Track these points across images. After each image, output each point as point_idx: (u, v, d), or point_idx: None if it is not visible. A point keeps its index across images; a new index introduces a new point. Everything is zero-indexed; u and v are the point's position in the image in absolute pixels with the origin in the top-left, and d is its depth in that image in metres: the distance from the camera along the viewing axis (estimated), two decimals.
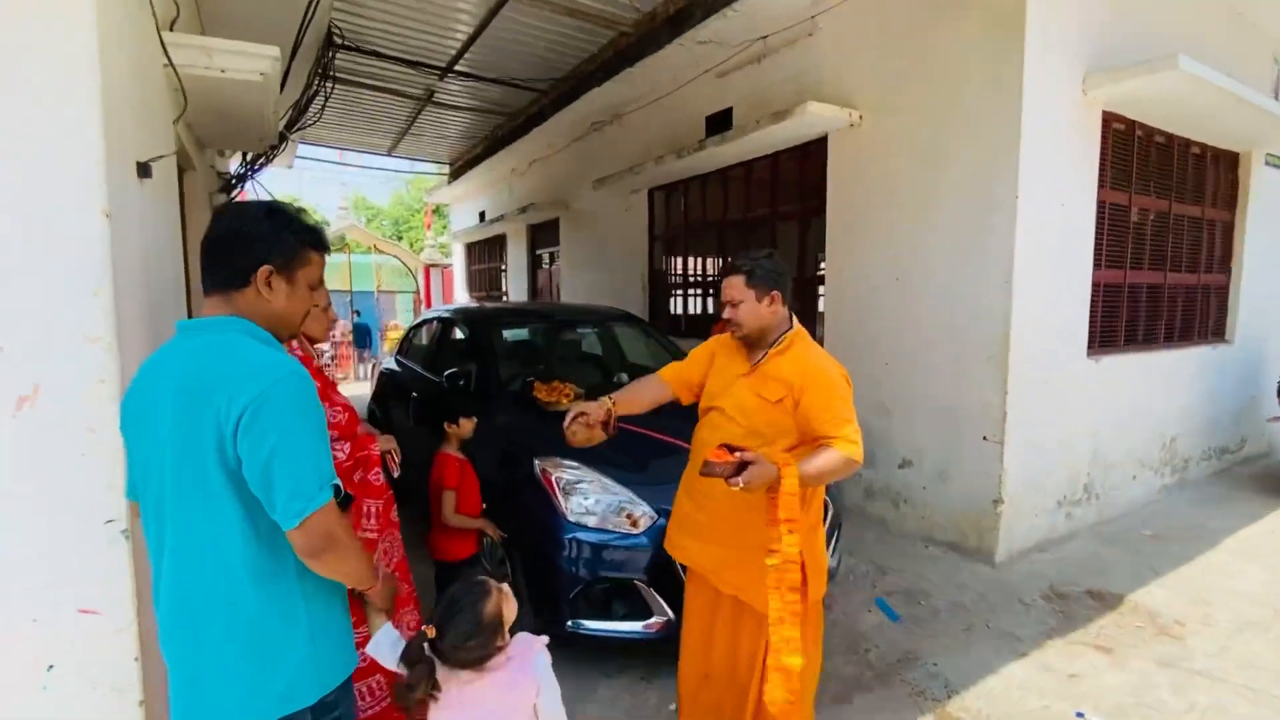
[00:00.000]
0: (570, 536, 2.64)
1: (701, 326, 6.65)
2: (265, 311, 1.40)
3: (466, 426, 2.81)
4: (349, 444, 2.13)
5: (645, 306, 7.31)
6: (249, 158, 5.78)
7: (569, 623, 2.65)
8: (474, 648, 1.48)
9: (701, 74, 6.02)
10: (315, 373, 2.12)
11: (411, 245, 25.24)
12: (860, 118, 4.71)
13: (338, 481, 1.30)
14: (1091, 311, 4.50)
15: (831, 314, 4.99)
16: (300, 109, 5.63)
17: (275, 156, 5.74)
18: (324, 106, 5.86)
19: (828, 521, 3.16)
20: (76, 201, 1.68)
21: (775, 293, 1.98)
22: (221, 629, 1.28)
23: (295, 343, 2.13)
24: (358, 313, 14.04)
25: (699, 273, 6.97)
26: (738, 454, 1.67)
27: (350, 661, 1.43)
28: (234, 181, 5.59)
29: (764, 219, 5.79)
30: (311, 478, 1.24)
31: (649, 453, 2.92)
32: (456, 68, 7.19)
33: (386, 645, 1.52)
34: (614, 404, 2.08)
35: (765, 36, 5.30)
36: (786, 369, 1.93)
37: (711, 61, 5.84)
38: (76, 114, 1.66)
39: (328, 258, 1.54)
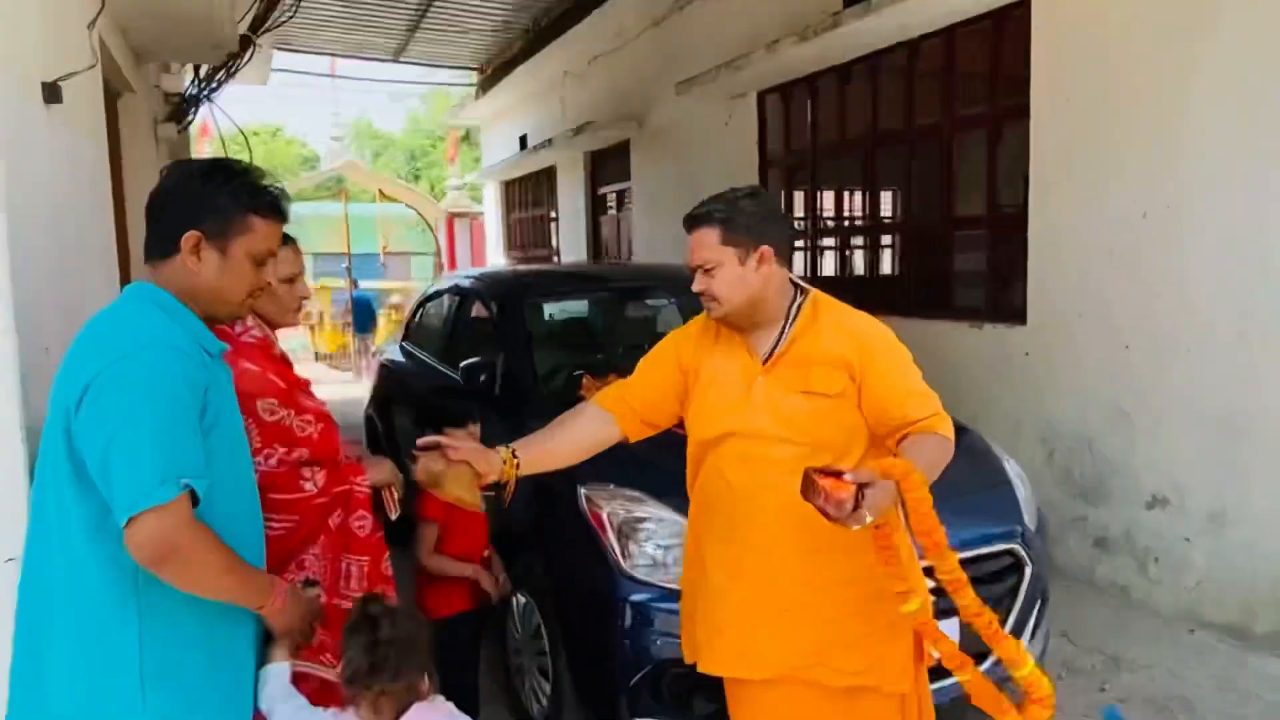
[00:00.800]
0: (629, 599, 2.62)
1: (840, 292, 6.47)
2: (192, 285, 1.58)
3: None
4: (323, 471, 2.17)
5: None
6: (203, 72, 6.13)
7: None
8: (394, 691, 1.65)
9: None
10: (277, 365, 2.21)
11: (433, 188, 26.09)
12: None
13: (192, 482, 1.43)
14: None
15: (1042, 272, 4.75)
16: (268, 2, 5.90)
17: (238, 69, 6.06)
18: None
19: (1024, 589, 3.01)
20: None
21: (764, 247, 1.92)
22: (45, 652, 1.50)
23: (253, 325, 2.21)
24: (356, 284, 14.60)
25: (834, 213, 6.81)
26: (847, 477, 1.60)
27: None
28: (185, 105, 5.95)
29: (933, 130, 5.58)
30: (152, 469, 1.40)
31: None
32: None
33: (276, 688, 1.68)
34: (519, 460, 2.01)
35: None
36: (833, 343, 1.93)
37: None
38: None
39: (283, 225, 1.72)
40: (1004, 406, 5.00)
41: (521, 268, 4.96)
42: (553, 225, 11.98)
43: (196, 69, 6.19)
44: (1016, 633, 2.99)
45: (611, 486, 2.83)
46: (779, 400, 1.94)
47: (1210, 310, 4.00)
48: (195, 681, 1.56)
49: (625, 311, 4.62)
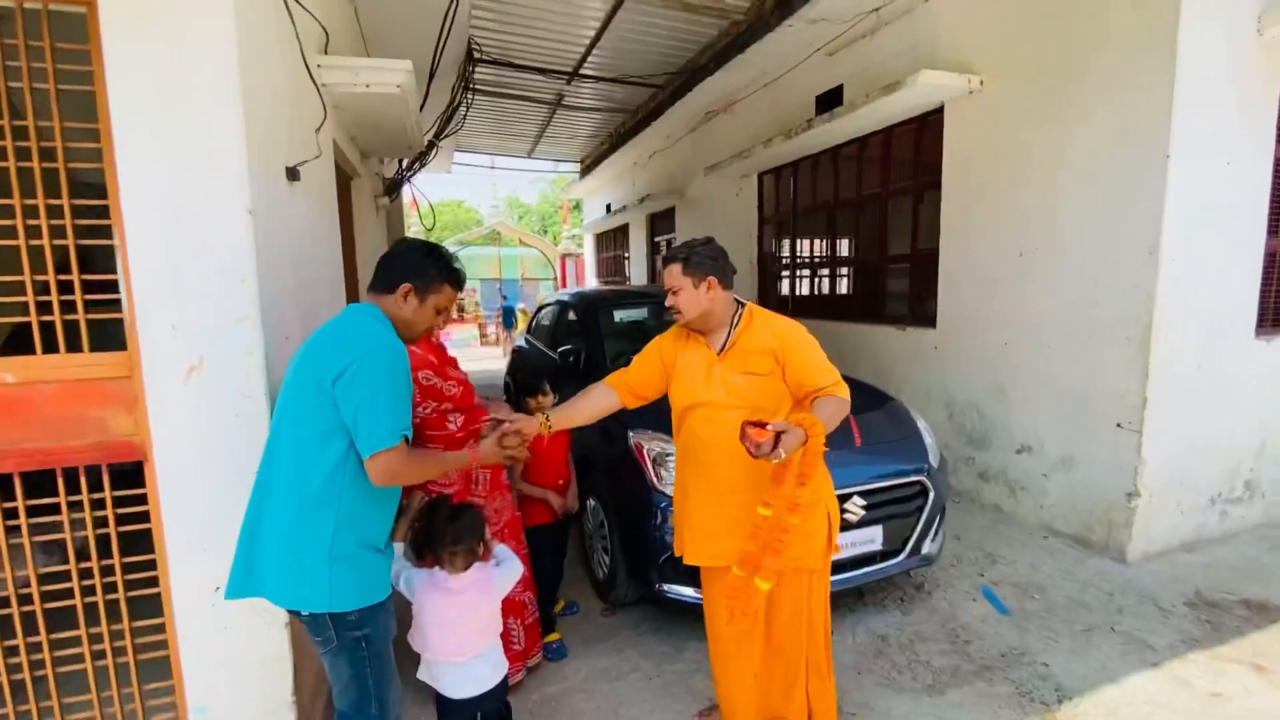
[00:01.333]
0: (660, 506, 2.59)
1: (811, 307, 6.27)
2: (396, 315, 1.67)
3: (545, 402, 2.74)
4: (463, 416, 2.21)
5: (754, 287, 7.03)
6: (404, 164, 6.20)
7: (658, 586, 2.62)
8: (459, 534, 1.78)
9: (812, 54, 5.59)
10: (436, 351, 2.24)
11: (554, 239, 26.30)
12: (981, 83, 4.12)
13: (408, 431, 1.49)
14: (1264, 286, 3.65)
15: (948, 292, 4.48)
16: (446, 118, 5.93)
17: (427, 162, 6.10)
18: (466, 115, 6.14)
19: (928, 507, 2.85)
20: (227, 201, 1.83)
21: (710, 278, 1.90)
22: (274, 525, 1.54)
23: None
24: (505, 296, 14.84)
25: (808, 254, 6.56)
26: (770, 426, 1.61)
27: (372, 598, 1.57)
28: (393, 185, 6.02)
29: (875, 197, 5.31)
30: (385, 426, 1.47)
31: None
32: (582, 71, 7.25)
33: (399, 562, 1.77)
34: (551, 423, 1.97)
35: (878, 8, 4.78)
36: (762, 339, 1.88)
37: (822, 39, 5.39)
38: (225, 132, 1.80)
39: (460, 292, 1.82)
40: (919, 383, 4.76)
41: (598, 288, 4.89)
42: (626, 261, 11.88)
43: (400, 162, 6.26)
44: (922, 537, 2.83)
45: (649, 431, 2.80)
46: (728, 379, 1.90)
47: (1064, 318, 3.72)
48: (357, 571, 1.56)
49: (664, 316, 4.52)
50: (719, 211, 7.72)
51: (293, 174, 2.31)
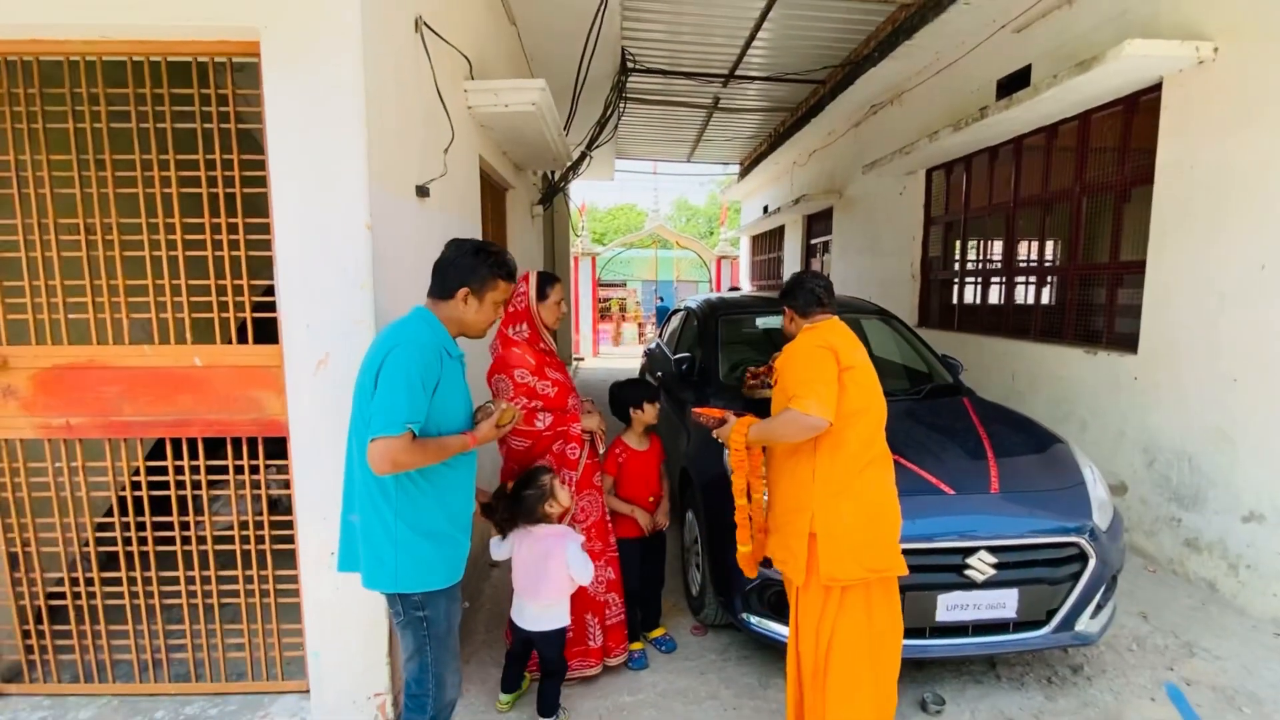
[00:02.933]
0: None
1: (979, 320, 5.53)
2: (458, 317, 1.76)
3: (650, 412, 2.70)
4: (552, 416, 2.29)
5: (913, 297, 6.39)
6: (555, 175, 6.58)
7: (741, 615, 2.49)
8: (528, 500, 2.10)
9: (995, 32, 4.91)
10: (537, 354, 2.33)
11: (717, 241, 26.36)
12: (1214, 51, 3.29)
13: (417, 425, 1.56)
14: None
15: (1156, 309, 3.66)
16: (599, 128, 6.18)
17: (581, 171, 6.41)
18: (618, 125, 6.35)
19: (1086, 575, 2.34)
20: (350, 217, 2.06)
21: (784, 306, 2.19)
22: (359, 511, 1.69)
23: (523, 328, 2.32)
24: (660, 299, 15.16)
25: (980, 260, 5.79)
26: (724, 414, 2.19)
27: (435, 583, 1.69)
28: (547, 194, 6.42)
29: (1066, 195, 4.51)
30: (393, 415, 1.54)
31: None
32: (738, 72, 7.12)
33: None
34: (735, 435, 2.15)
35: None
36: (781, 357, 2.09)
37: (1008, 14, 4.70)
38: (349, 155, 2.03)
39: (513, 284, 1.89)
40: (1109, 420, 3.96)
41: (727, 295, 4.77)
42: (780, 264, 11.49)
43: (550, 173, 6.63)
44: (1077, 611, 2.35)
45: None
46: None
47: None
48: (418, 558, 1.66)
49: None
50: (880, 212, 7.16)
51: (422, 191, 2.52)
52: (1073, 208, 4.45)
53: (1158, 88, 3.63)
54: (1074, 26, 4.24)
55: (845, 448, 1.95)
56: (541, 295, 2.35)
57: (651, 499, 2.71)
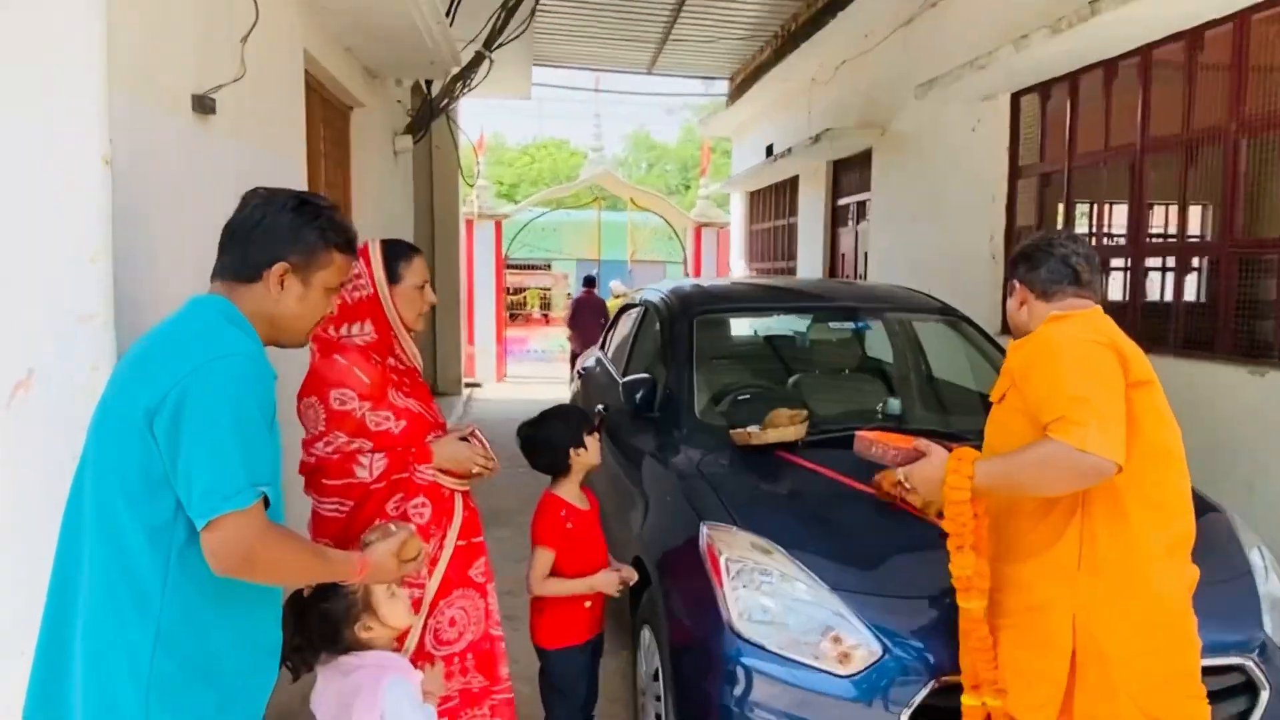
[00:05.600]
0: (736, 660, 2.44)
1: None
2: (270, 313, 1.72)
3: (594, 448, 2.76)
4: (385, 460, 2.27)
5: (994, 288, 6.59)
6: (434, 89, 6.54)
7: None
8: (327, 618, 1.92)
9: None
10: (377, 367, 2.29)
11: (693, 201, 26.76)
12: None
13: (268, 487, 1.55)
14: None
15: None
16: (504, 16, 6.15)
17: (474, 83, 6.38)
18: (535, 7, 6.36)
19: (1260, 712, 2.40)
20: (76, 149, 1.97)
21: (1016, 285, 2.23)
22: (84, 636, 1.57)
23: (367, 331, 2.32)
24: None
25: (1093, 231, 6.01)
26: (915, 444, 2.11)
27: None
28: (420, 119, 6.37)
29: (1215, 135, 4.72)
30: (230, 477, 1.49)
31: (879, 531, 2.70)
32: None
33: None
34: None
35: None
36: (1013, 356, 2.13)
37: None
38: (76, 51, 1.94)
39: (354, 260, 1.90)
40: None
41: (705, 284, 4.81)
42: (793, 235, 11.72)
43: (431, 87, 6.59)
44: None
45: (734, 528, 2.67)
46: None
47: None
48: (194, 694, 1.59)
49: (809, 335, 4.36)
50: (943, 157, 7.38)
51: (204, 104, 2.45)
52: (1227, 154, 4.65)
53: None
54: None
55: (1137, 513, 1.96)
56: (393, 276, 2.34)
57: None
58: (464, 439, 2.41)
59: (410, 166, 6.79)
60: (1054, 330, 2.06)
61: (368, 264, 2.32)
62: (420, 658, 2.29)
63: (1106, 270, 5.85)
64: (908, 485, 2.15)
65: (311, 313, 1.78)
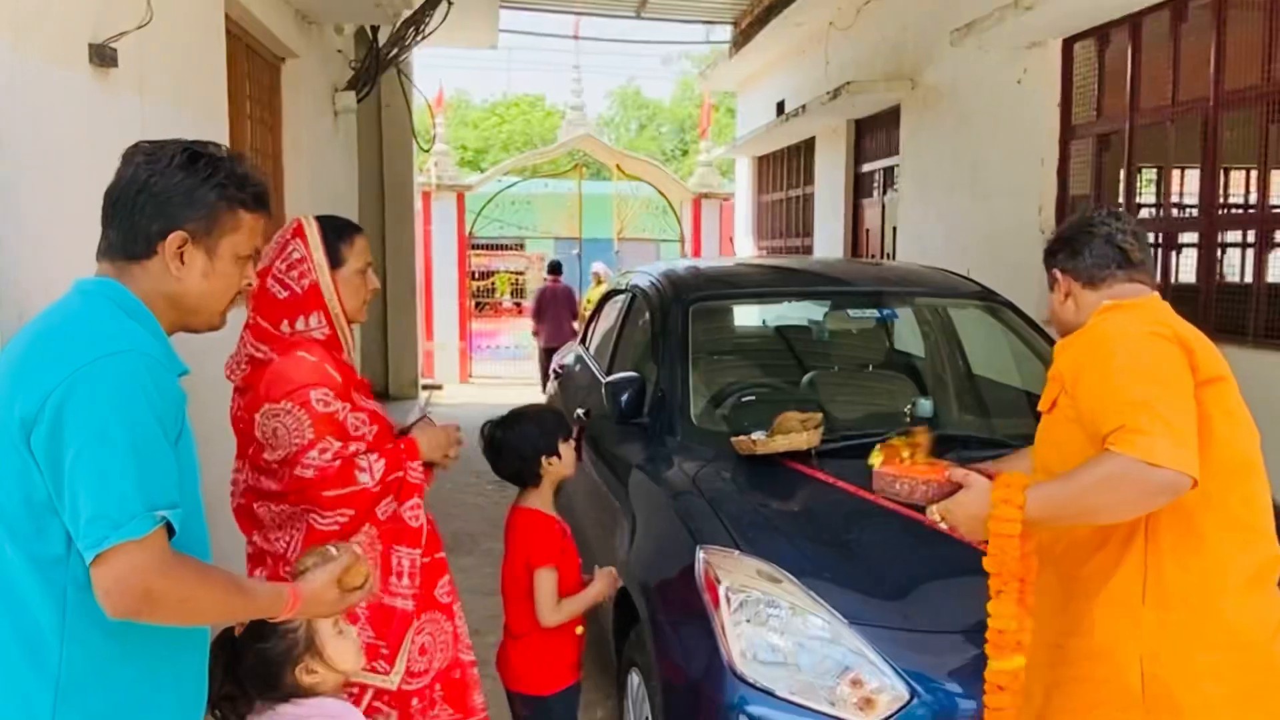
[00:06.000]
0: (739, 708, 2.44)
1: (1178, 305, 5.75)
2: (172, 293, 1.69)
3: (569, 456, 2.80)
4: (383, 462, 2.35)
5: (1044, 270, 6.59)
6: (379, 36, 6.52)
7: None
8: (265, 661, 1.94)
9: None
10: (337, 361, 2.36)
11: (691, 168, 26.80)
12: None
13: (171, 512, 1.51)
14: None
15: None
16: None
17: (430, 30, 6.38)
18: None
19: None
20: None
21: (1055, 271, 2.22)
22: None
23: (321, 324, 2.37)
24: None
25: (1159, 201, 6.05)
26: (948, 473, 2.05)
27: None
28: (365, 72, 6.36)
29: None
30: (123, 502, 1.46)
31: (907, 554, 2.72)
32: None
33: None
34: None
35: None
36: (1061, 358, 2.14)
37: None
38: None
39: (267, 219, 1.83)
40: None
41: (702, 262, 4.84)
42: (808, 208, 11.80)
43: (376, 33, 6.57)
44: None
45: (738, 553, 2.69)
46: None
47: None
48: None
49: (825, 325, 4.38)
50: (984, 114, 7.45)
51: (103, 55, 2.45)
52: None
53: None
54: None
55: (1213, 535, 1.96)
56: (335, 259, 2.38)
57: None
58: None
59: (354, 129, 6.78)
60: (1105, 323, 2.05)
61: (306, 246, 2.35)
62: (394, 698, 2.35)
63: (1176, 247, 5.89)
64: (944, 526, 2.09)
65: (223, 288, 1.74)
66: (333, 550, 1.89)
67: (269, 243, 2.35)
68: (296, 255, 2.34)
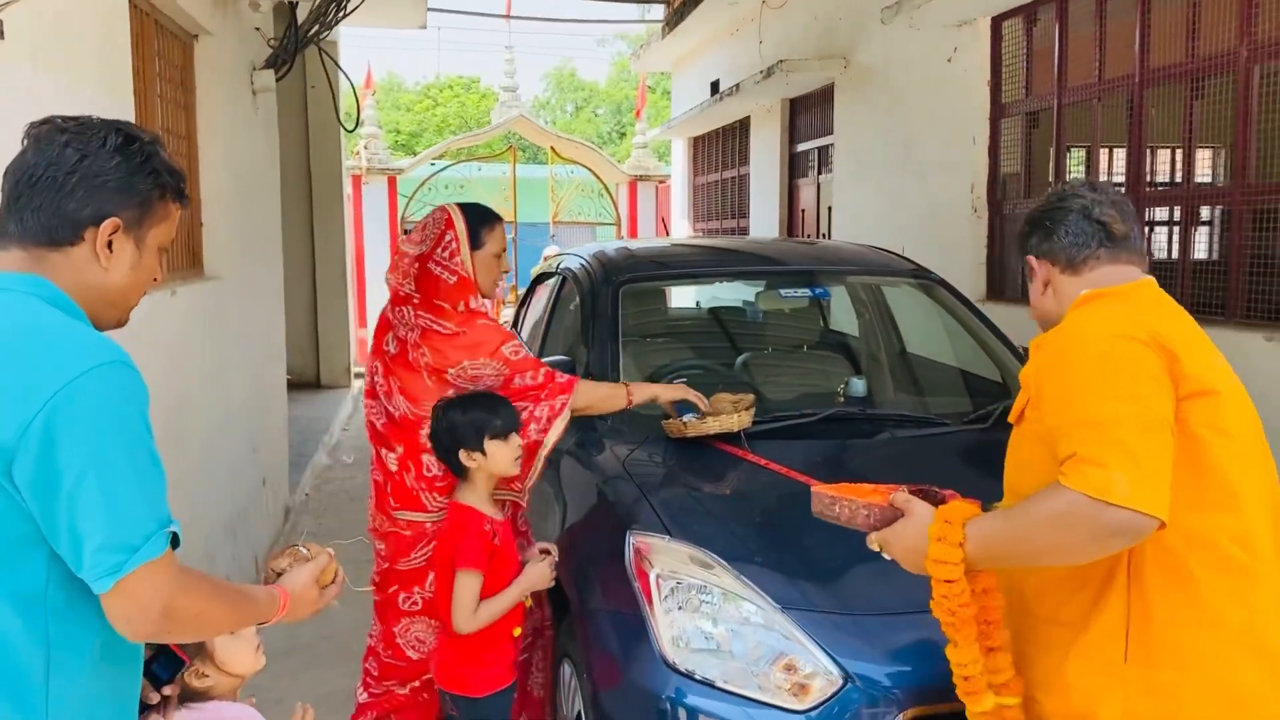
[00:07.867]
0: (670, 697, 2.43)
1: None
2: (98, 285, 1.60)
3: (513, 447, 2.74)
4: (547, 402, 3.02)
5: (977, 247, 6.73)
6: (297, 9, 6.37)
7: None
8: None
9: None
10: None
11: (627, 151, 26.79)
12: None
13: (176, 528, 1.50)
14: None
15: None
16: None
17: (348, 5, 6.22)
18: None
19: None
20: None
21: (1029, 258, 2.05)
22: None
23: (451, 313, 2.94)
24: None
25: (1092, 177, 6.11)
26: (891, 498, 1.87)
27: None
28: (283, 50, 6.19)
29: (1224, 63, 4.85)
30: (135, 520, 1.43)
31: (840, 538, 2.55)
32: None
33: None
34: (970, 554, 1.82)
35: None
36: (1033, 359, 1.96)
37: None
38: None
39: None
40: None
41: (634, 243, 4.81)
42: (743, 189, 11.85)
43: (296, 6, 6.41)
44: None
45: (668, 539, 2.66)
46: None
47: None
48: None
49: (758, 305, 4.37)
50: (916, 93, 7.52)
51: None
52: (1238, 86, 4.76)
53: None
54: None
55: (1205, 578, 1.70)
56: (476, 242, 2.88)
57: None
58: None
59: (274, 110, 6.59)
60: (1075, 320, 1.86)
61: (453, 231, 2.88)
62: None
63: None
64: (886, 556, 1.88)
65: (144, 281, 1.69)
66: (304, 550, 1.90)
67: (420, 227, 2.97)
68: (449, 242, 2.88)
